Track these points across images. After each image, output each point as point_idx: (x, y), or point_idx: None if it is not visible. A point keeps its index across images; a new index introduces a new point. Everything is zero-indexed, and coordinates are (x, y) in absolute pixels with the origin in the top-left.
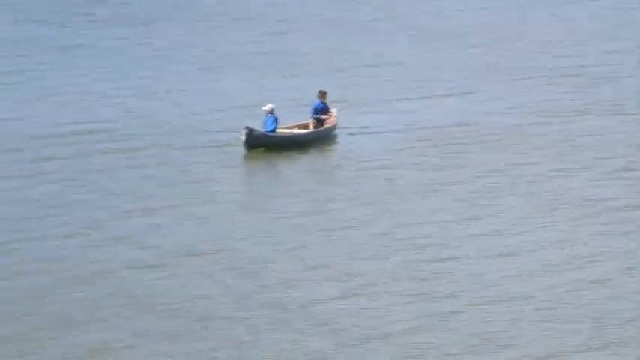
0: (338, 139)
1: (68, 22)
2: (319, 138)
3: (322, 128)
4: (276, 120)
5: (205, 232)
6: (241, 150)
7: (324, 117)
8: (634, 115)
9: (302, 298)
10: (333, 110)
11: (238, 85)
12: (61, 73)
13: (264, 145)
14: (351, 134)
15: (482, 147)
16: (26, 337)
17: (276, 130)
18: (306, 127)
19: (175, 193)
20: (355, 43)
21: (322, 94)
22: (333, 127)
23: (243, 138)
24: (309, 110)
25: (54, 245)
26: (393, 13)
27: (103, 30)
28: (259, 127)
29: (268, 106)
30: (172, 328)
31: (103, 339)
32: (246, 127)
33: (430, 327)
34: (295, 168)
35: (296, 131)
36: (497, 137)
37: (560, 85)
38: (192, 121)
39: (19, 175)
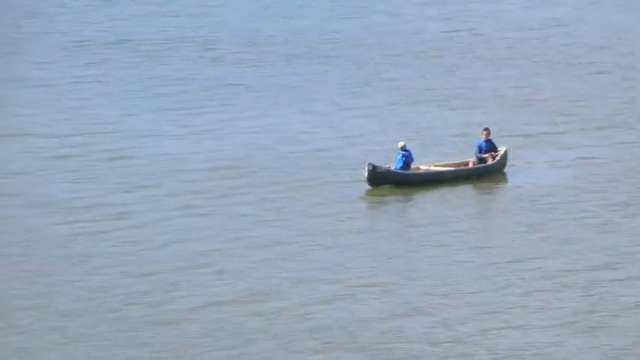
0: (502, 176)
1: (241, 60)
2: (463, 176)
3: (466, 167)
4: (405, 157)
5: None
6: (365, 186)
7: (485, 155)
8: None
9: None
10: (502, 148)
11: (415, 119)
12: (217, 109)
13: (388, 182)
14: (515, 171)
15: None
16: None
17: (411, 167)
18: (466, 165)
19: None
20: (533, 78)
21: (487, 132)
22: (489, 166)
23: (366, 174)
24: (474, 149)
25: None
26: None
27: (269, 67)
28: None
29: (400, 144)
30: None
31: None
32: (369, 164)
33: None
34: (421, 204)
35: (432, 168)
36: None
37: None
38: (343, 157)
39: (166, 208)
